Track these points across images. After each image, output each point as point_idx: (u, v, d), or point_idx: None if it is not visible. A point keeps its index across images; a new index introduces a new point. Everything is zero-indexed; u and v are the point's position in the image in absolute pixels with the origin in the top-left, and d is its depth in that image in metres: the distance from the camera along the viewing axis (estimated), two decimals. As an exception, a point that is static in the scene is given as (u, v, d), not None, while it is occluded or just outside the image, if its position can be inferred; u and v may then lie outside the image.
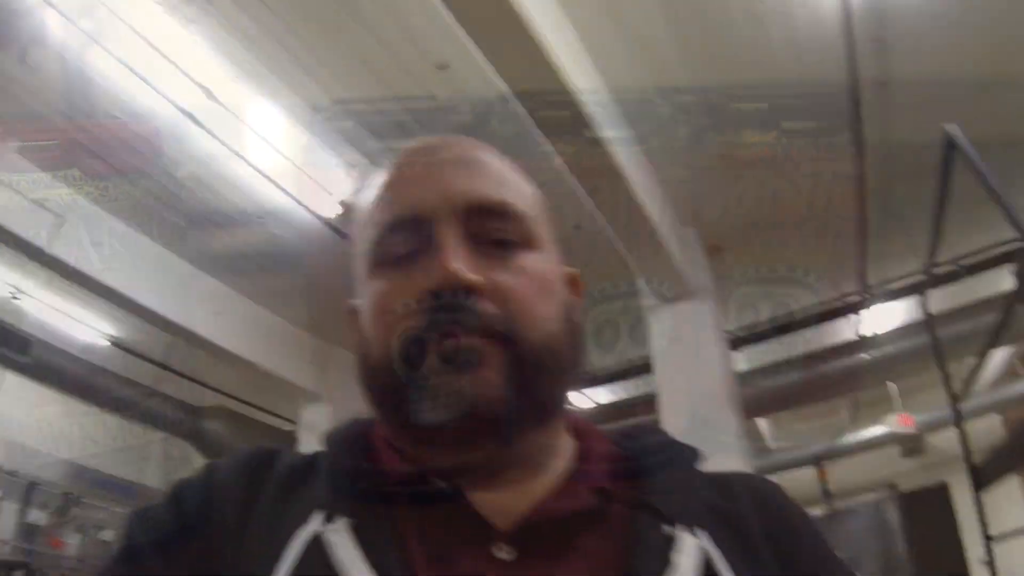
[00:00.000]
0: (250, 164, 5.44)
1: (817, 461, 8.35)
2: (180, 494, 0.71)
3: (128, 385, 7.46)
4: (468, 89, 4.98)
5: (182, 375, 8.12)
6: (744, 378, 7.30)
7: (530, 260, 0.71)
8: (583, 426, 0.79)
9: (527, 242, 0.72)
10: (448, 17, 3.61)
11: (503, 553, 0.63)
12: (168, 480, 8.87)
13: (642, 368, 6.12)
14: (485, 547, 0.63)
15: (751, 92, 5.30)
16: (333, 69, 4.86)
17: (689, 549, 0.63)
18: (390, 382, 0.66)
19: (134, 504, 7.34)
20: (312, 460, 0.75)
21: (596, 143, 4.35)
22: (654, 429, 0.82)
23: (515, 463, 0.69)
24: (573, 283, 0.79)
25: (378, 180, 0.76)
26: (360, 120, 5.28)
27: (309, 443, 7.28)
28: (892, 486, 8.69)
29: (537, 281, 0.70)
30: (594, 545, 0.64)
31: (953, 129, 3.54)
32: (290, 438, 7.99)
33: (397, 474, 0.69)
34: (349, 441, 0.77)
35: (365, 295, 0.73)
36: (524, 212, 0.73)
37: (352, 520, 0.64)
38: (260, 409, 8.66)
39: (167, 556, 0.65)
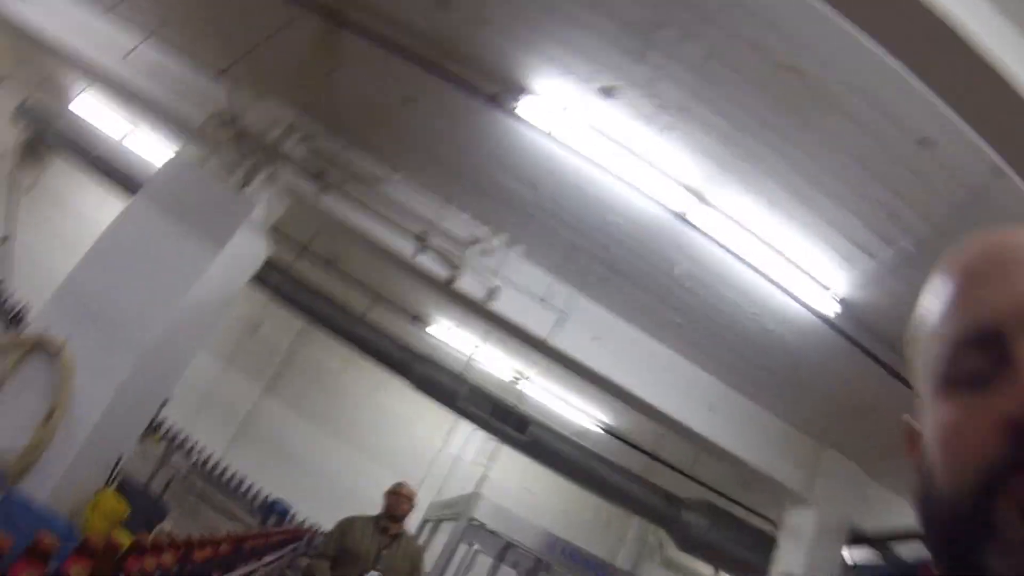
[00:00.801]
0: (741, 259, 5.52)
1: None
2: None
3: (614, 469, 7.89)
4: (954, 163, 4.54)
5: (669, 465, 8.37)
6: None
7: None
8: None
9: None
10: (926, 90, 3.40)
11: None
12: (638, 564, 9.18)
13: None
14: None
15: None
16: (811, 155, 4.79)
17: None
18: (959, 527, 0.58)
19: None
20: None
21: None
22: None
23: None
24: None
25: (941, 282, 0.66)
26: (846, 207, 5.10)
27: (790, 547, 6.96)
28: None
29: None
30: None
31: None
32: (771, 539, 7.75)
33: None
34: None
35: (930, 417, 0.63)
36: None
37: None
38: (742, 506, 8.55)
39: None
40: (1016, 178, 3.62)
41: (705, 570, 9.14)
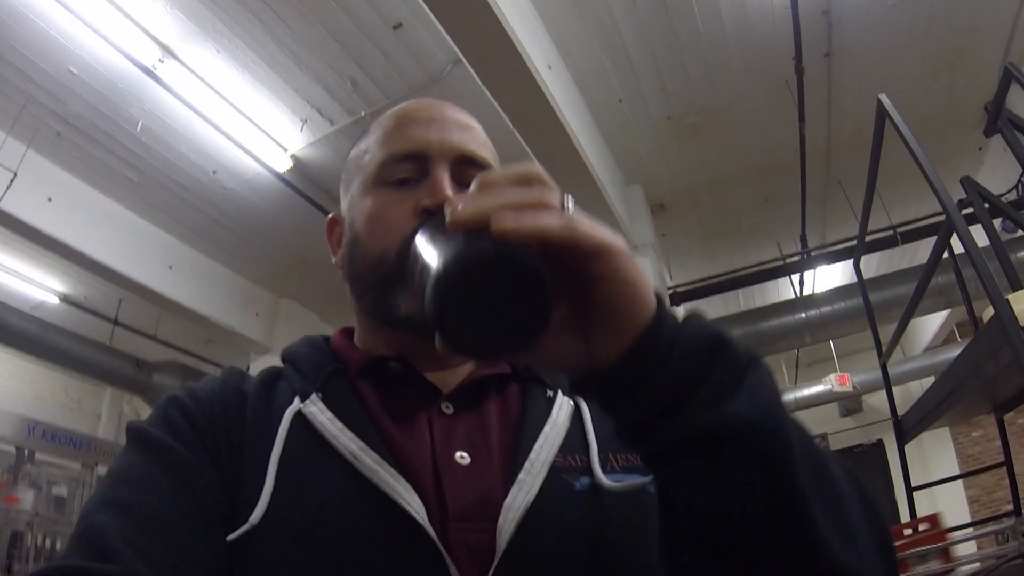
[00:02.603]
0: (205, 119, 5.53)
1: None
2: (176, 400, 0.79)
3: (79, 341, 7.43)
4: (421, 49, 5.07)
5: (133, 330, 8.14)
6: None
7: None
8: None
9: None
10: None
11: (447, 409, 0.80)
12: (120, 434, 8.90)
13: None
14: (435, 405, 0.80)
15: (698, 59, 5.46)
16: (290, 25, 4.91)
17: (565, 405, 0.83)
18: (383, 279, 0.81)
19: (88, 458, 7.41)
20: (278, 370, 0.88)
21: (545, 105, 4.47)
22: None
23: None
24: None
25: (387, 121, 0.91)
26: (315, 77, 5.34)
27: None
28: (826, 443, 9.03)
29: None
30: (503, 401, 0.84)
31: (884, 99, 3.56)
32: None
33: (359, 359, 0.86)
34: (310, 345, 0.91)
35: (362, 206, 0.87)
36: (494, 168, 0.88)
37: (324, 395, 0.78)
38: (209, 362, 8.71)
39: (181, 441, 0.73)
40: (470, 68, 4.17)
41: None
